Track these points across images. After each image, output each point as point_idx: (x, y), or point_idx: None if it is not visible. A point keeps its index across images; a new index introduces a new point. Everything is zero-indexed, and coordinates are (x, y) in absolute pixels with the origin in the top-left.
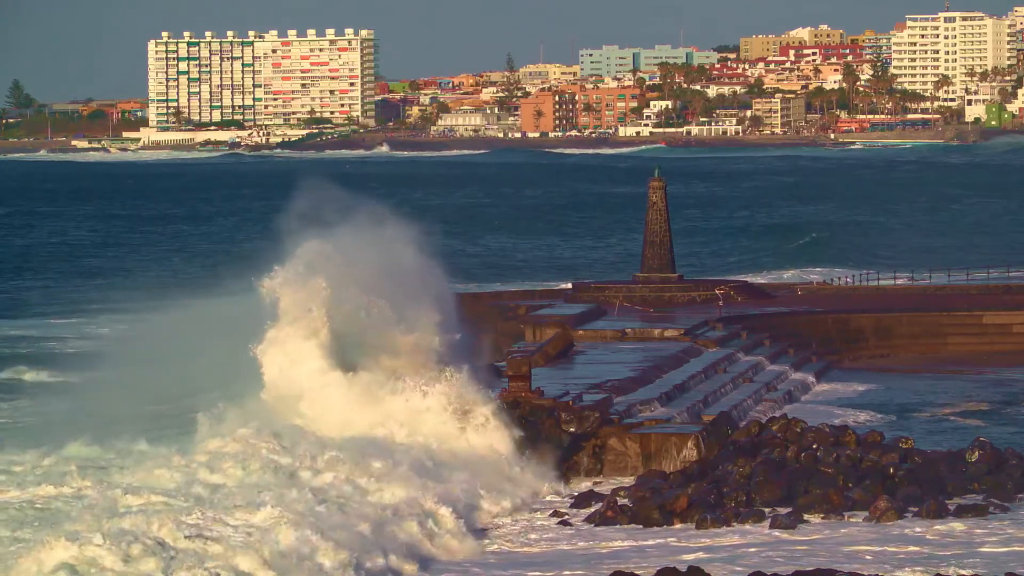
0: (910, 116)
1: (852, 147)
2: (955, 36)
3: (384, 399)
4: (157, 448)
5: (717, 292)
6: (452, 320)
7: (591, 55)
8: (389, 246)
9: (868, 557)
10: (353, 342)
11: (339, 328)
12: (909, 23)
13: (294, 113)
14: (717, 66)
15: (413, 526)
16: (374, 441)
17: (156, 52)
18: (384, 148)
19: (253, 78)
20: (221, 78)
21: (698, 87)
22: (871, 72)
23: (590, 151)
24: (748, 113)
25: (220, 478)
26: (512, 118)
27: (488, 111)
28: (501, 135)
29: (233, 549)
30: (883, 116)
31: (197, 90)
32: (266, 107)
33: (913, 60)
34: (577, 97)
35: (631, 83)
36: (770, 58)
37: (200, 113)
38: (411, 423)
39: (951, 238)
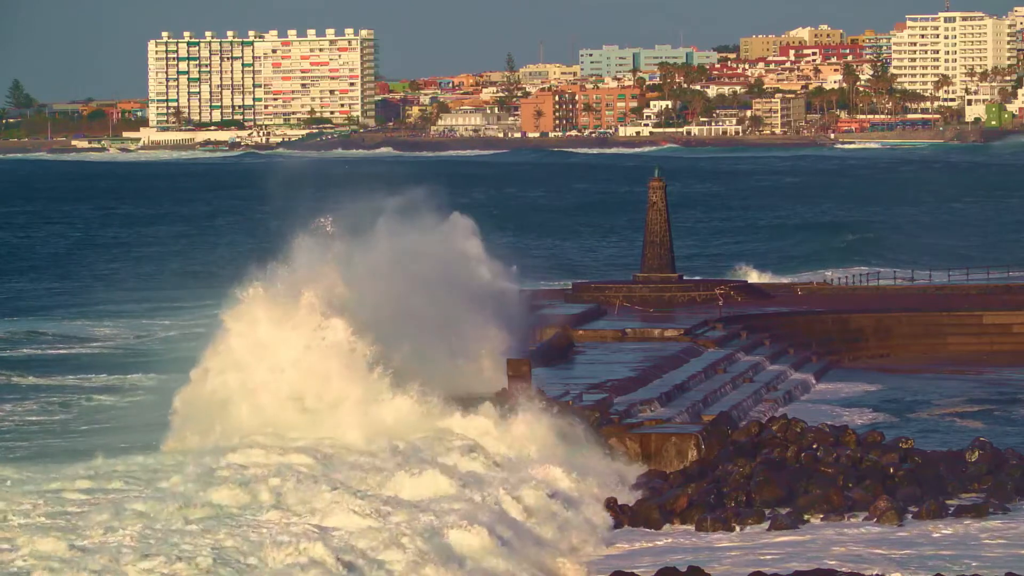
0: (910, 116)
1: (869, 147)
2: (955, 36)
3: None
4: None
5: (717, 292)
6: (524, 339)
7: (591, 55)
8: (434, 252)
9: (868, 557)
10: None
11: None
12: (909, 23)
13: (294, 113)
14: (717, 66)
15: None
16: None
17: (156, 52)
18: (387, 148)
19: (253, 78)
20: (221, 78)
21: (698, 87)
22: (871, 72)
23: (606, 151)
24: (748, 113)
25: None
26: (512, 118)
27: (488, 111)
28: (501, 135)
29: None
30: (883, 116)
31: (197, 90)
32: (266, 107)
33: (913, 60)
34: (577, 97)
35: (631, 83)
36: (770, 58)
37: (200, 113)
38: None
39: (979, 238)
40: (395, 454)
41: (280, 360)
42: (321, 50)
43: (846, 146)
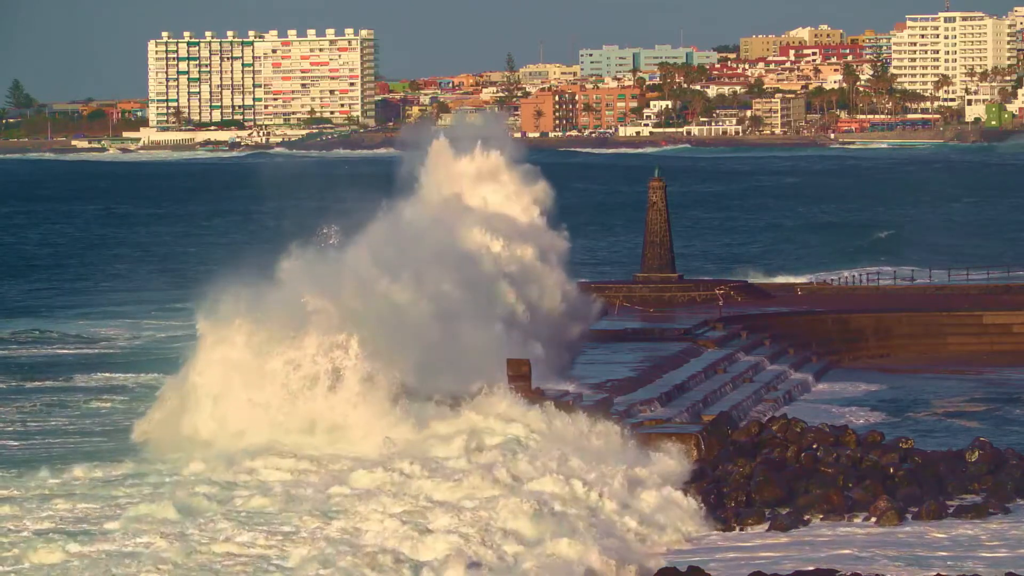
0: (910, 116)
1: (871, 147)
2: (955, 36)
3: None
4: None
5: (717, 292)
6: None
7: (591, 55)
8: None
9: (868, 557)
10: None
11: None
12: (909, 23)
13: (294, 113)
14: (717, 66)
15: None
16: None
17: (156, 52)
18: (388, 149)
19: (253, 78)
20: (221, 78)
21: (698, 87)
22: (871, 72)
23: (607, 151)
24: (748, 113)
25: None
26: (512, 118)
27: (488, 111)
28: None
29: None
30: (883, 116)
31: (197, 90)
32: (266, 107)
33: (913, 60)
34: (577, 97)
35: (631, 83)
36: (770, 58)
37: (200, 113)
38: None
39: (980, 238)
40: (435, 460)
41: (275, 393)
42: (321, 50)
43: (848, 146)
